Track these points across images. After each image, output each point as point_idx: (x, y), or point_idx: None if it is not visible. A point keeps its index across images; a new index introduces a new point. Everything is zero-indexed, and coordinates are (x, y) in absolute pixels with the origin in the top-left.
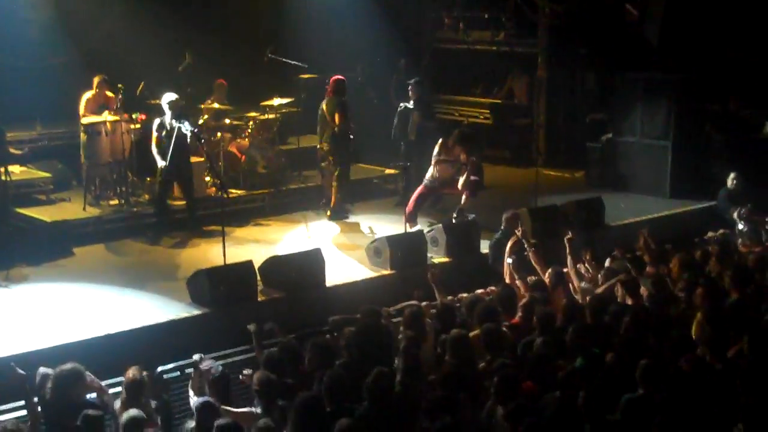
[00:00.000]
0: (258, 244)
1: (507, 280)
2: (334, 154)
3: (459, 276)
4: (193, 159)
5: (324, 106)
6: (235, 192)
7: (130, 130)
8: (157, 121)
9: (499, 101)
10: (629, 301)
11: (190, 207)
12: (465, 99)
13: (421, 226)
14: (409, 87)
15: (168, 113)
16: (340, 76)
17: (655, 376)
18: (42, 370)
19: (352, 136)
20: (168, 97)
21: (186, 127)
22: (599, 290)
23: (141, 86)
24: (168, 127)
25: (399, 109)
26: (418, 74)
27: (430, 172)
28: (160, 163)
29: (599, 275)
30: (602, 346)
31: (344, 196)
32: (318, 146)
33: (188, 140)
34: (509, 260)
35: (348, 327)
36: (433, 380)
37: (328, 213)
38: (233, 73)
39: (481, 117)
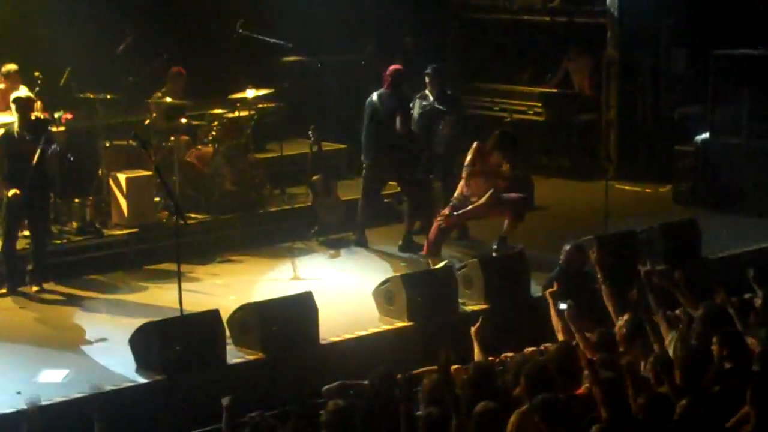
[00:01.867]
0: (227, 288)
1: (560, 336)
2: (399, 168)
3: (501, 329)
4: (136, 172)
5: (377, 102)
6: (194, 217)
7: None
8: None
9: (553, 90)
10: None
11: (38, 253)
12: (508, 89)
13: (448, 260)
14: (426, 77)
15: (16, 118)
16: (397, 66)
17: None
18: None
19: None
20: (17, 95)
21: (43, 141)
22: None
23: (66, 75)
24: (16, 139)
25: (421, 106)
26: (436, 57)
27: (460, 188)
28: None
29: (691, 324)
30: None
31: (412, 224)
32: (367, 162)
33: (44, 158)
34: (563, 306)
35: (343, 399)
36: None
37: (400, 243)
38: (192, 56)
39: (530, 112)
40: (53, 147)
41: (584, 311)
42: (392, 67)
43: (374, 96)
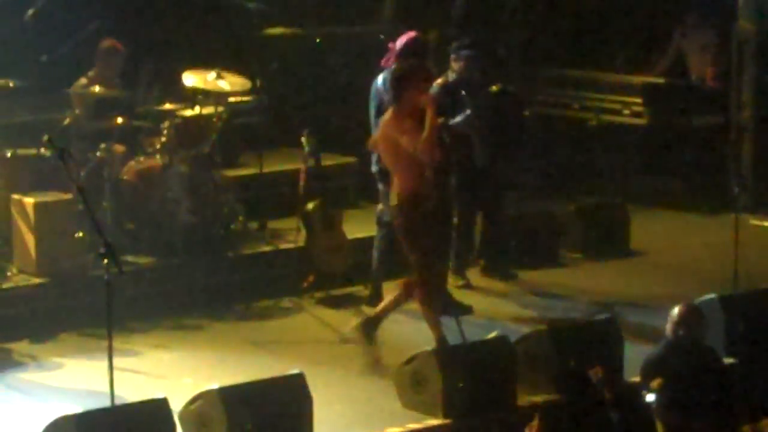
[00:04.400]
0: (179, 366)
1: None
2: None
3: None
4: (49, 196)
5: (383, 88)
6: (134, 262)
7: None
8: None
9: (660, 80)
10: None
11: None
12: (592, 78)
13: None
14: (454, 56)
15: None
16: (413, 34)
17: None
18: None
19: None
20: None
21: None
22: None
23: None
24: None
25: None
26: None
27: None
28: None
29: None
30: None
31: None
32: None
33: None
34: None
35: None
36: None
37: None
38: (133, 25)
39: (626, 112)
40: None
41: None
42: (406, 37)
43: (379, 80)
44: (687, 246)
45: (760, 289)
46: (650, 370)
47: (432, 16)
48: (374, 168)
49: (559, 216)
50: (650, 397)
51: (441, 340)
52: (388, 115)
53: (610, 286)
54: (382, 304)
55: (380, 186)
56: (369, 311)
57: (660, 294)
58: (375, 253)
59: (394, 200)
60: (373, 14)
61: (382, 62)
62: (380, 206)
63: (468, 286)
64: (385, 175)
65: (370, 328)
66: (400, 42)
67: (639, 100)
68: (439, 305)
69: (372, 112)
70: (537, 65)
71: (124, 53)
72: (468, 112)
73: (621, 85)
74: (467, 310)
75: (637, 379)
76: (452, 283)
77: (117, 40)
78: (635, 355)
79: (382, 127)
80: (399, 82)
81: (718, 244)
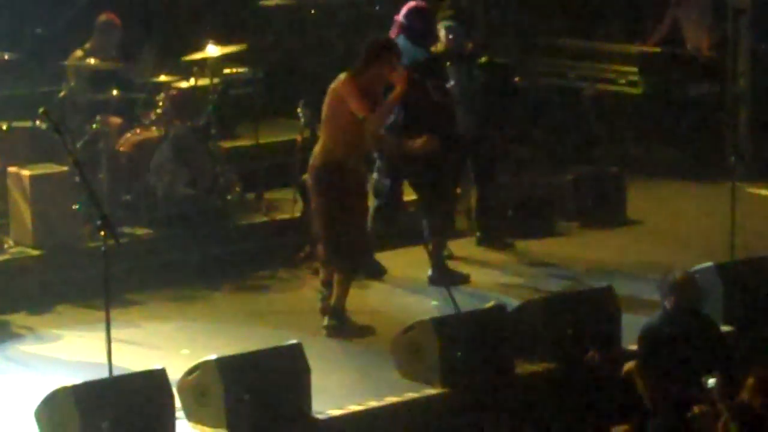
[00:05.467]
0: (177, 336)
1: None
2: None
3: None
4: (45, 168)
5: None
6: (130, 233)
7: None
8: None
9: (655, 50)
10: None
11: None
12: (588, 47)
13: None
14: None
15: None
16: (417, 3)
17: None
18: None
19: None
20: None
21: None
22: None
23: None
24: None
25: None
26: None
27: None
28: None
29: None
30: None
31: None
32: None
33: None
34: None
35: None
36: None
37: (429, 274)
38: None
39: (622, 81)
40: None
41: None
42: (410, 5)
43: None
44: (684, 215)
45: (757, 257)
46: (647, 338)
47: None
48: None
49: (555, 185)
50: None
51: (327, 309)
52: (346, 75)
53: (607, 255)
54: (334, 292)
55: (375, 155)
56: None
57: (657, 262)
58: (369, 222)
59: (317, 155)
60: None
61: (391, 34)
62: (375, 175)
63: (450, 256)
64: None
65: (339, 316)
66: (402, 12)
67: (634, 70)
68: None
69: None
70: (532, 35)
71: (120, 26)
72: (452, 82)
73: (617, 55)
74: (465, 278)
75: (634, 347)
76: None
77: (113, 13)
78: (633, 324)
79: (336, 83)
80: (373, 52)
81: (715, 213)
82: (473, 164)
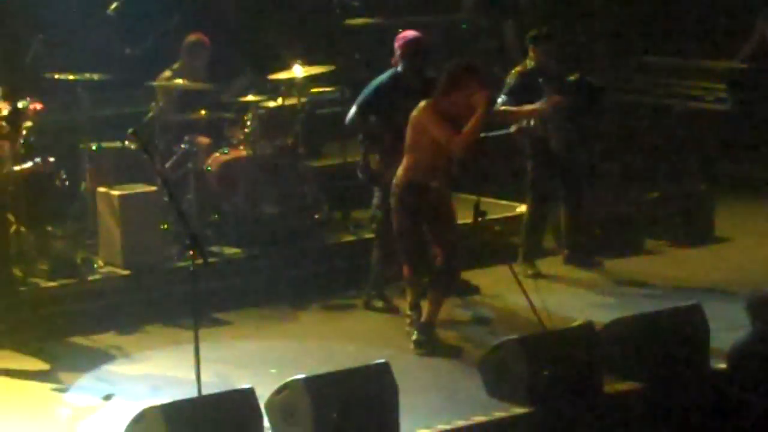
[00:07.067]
0: (265, 356)
1: None
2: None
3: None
4: (134, 188)
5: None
6: (219, 254)
7: (17, 138)
8: None
9: (744, 66)
10: None
11: None
12: (676, 64)
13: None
14: (531, 45)
15: None
16: (411, 33)
17: None
18: None
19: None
20: None
21: None
22: None
23: (33, 48)
24: None
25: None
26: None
27: None
28: None
29: None
30: None
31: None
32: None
33: None
34: None
35: None
36: None
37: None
38: (217, 18)
39: (710, 98)
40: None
41: None
42: (404, 37)
43: (384, 77)
44: None
45: None
46: (737, 358)
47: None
48: (360, 175)
49: (643, 203)
50: None
51: (417, 324)
52: (426, 103)
53: (695, 274)
54: (426, 308)
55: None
56: (417, 317)
57: (745, 281)
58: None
59: (400, 176)
60: (454, 2)
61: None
62: (375, 201)
63: (538, 275)
64: (372, 178)
65: (428, 332)
66: (399, 42)
67: (723, 86)
68: (443, 287)
69: (366, 100)
70: (621, 53)
71: (209, 47)
72: (544, 99)
73: (705, 72)
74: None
75: (723, 366)
76: (521, 272)
77: (202, 34)
78: (721, 343)
79: (417, 111)
80: (453, 79)
81: None
82: (562, 182)
